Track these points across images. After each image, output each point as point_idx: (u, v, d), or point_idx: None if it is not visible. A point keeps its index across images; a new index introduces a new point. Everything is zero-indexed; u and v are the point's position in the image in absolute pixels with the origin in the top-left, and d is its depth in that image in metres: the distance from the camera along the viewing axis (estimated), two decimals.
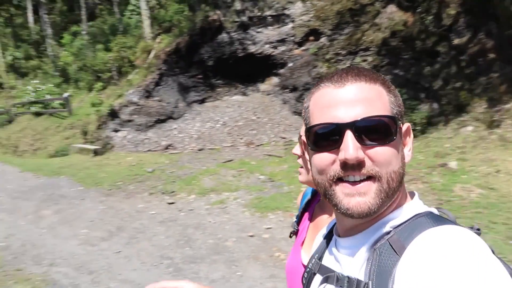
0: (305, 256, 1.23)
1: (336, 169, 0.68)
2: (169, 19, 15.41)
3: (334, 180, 0.69)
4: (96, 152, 10.77)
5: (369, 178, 0.67)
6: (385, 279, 0.61)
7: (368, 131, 0.66)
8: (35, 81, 17.34)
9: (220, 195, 6.64)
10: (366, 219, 0.69)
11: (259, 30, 12.67)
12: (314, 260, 0.82)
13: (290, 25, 11.95)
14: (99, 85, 14.47)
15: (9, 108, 17.39)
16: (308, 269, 0.83)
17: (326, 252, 0.81)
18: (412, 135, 0.76)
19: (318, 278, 0.78)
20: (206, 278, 4.11)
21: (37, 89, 15.90)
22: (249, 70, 12.73)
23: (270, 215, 5.69)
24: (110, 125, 11.89)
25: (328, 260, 0.78)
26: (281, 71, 12.10)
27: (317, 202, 1.35)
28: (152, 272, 4.41)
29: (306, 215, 1.35)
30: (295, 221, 1.39)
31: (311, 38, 11.31)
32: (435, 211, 0.71)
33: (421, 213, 0.68)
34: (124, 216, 6.25)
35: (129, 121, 12.08)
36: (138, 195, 7.23)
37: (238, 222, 5.53)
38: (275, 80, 12.25)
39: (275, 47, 12.27)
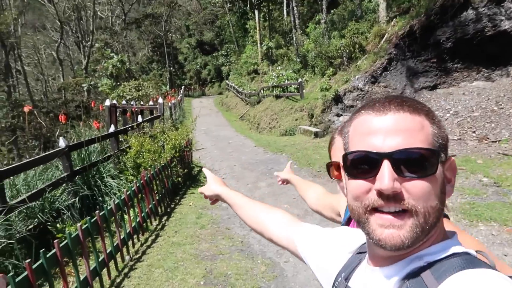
0: None
1: (371, 198, 0.68)
2: (408, 0, 14.48)
3: (369, 209, 0.68)
4: (316, 134, 11.45)
5: (405, 211, 0.66)
6: None
7: (407, 163, 0.65)
8: (279, 68, 19.69)
9: None
10: (399, 252, 0.68)
11: None
12: (340, 278, 0.82)
13: None
14: (330, 71, 15.15)
15: (259, 91, 20.52)
16: (334, 286, 0.84)
17: (355, 274, 0.80)
18: (456, 170, 0.73)
19: None
20: None
21: (279, 74, 18.03)
22: (498, 51, 10.59)
23: (481, 226, 4.73)
24: (333, 109, 12.35)
25: (355, 283, 0.78)
26: None
27: None
28: None
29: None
30: None
31: None
32: (474, 253, 0.68)
33: (459, 253, 0.67)
34: None
35: (352, 106, 12.21)
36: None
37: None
38: None
39: None
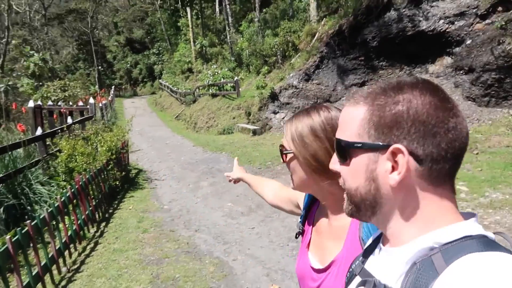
0: (313, 259, 1.21)
1: None
2: (336, 0, 15.14)
3: None
4: (254, 132, 11.55)
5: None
6: None
7: (336, 150, 0.77)
8: (214, 66, 19.56)
9: None
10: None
11: (433, 4, 11.19)
12: (358, 261, 0.84)
13: None
14: (265, 69, 15.37)
15: (194, 90, 20.22)
16: (351, 269, 0.86)
17: (371, 256, 0.82)
18: (401, 160, 0.66)
19: (357, 279, 0.80)
20: None
21: (215, 73, 17.93)
22: (417, 50, 11.47)
23: None
24: (270, 107, 12.54)
25: (370, 265, 0.79)
26: (456, 49, 10.48)
27: (317, 206, 1.29)
28: (277, 252, 4.51)
29: (310, 215, 1.31)
30: (300, 221, 1.33)
31: (499, 9, 9.38)
32: (491, 236, 0.66)
33: (472, 235, 0.65)
34: None
35: (288, 103, 12.50)
36: (283, 176, 7.45)
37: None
38: (447, 60, 10.71)
39: (451, 22, 10.66)
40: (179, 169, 8.87)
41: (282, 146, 1.23)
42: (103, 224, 5.67)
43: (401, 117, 0.65)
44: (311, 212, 1.30)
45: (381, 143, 0.67)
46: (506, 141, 7.54)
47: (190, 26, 26.52)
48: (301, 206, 1.40)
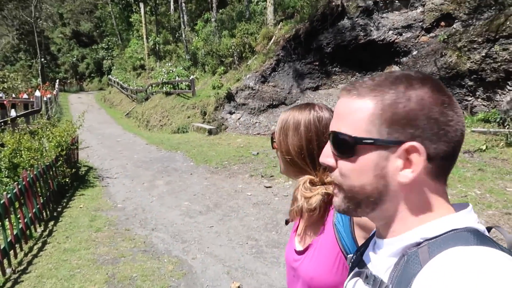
0: (297, 242, 1.25)
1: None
2: (292, 5, 15.44)
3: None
4: (210, 132, 11.48)
5: (338, 185, 0.73)
6: (404, 285, 0.62)
7: (333, 144, 0.72)
8: (169, 64, 19.18)
9: None
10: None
11: (384, 15, 11.81)
12: (358, 252, 0.86)
13: (420, 9, 10.84)
14: (221, 69, 15.33)
15: (147, 87, 19.69)
16: (353, 259, 0.87)
17: (369, 249, 0.82)
18: (417, 157, 0.65)
19: (355, 270, 0.81)
20: (284, 264, 4.02)
21: (170, 71, 17.58)
22: (369, 58, 12.03)
23: None
24: (226, 107, 12.53)
25: (366, 256, 0.80)
26: (404, 59, 11.13)
27: None
28: (237, 250, 4.51)
29: None
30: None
31: (442, 23, 10.10)
32: (481, 228, 0.66)
33: (459, 228, 0.65)
34: (223, 194, 6.53)
35: (244, 104, 12.56)
36: (240, 175, 7.47)
37: None
38: (395, 69, 11.32)
39: (399, 34, 11.31)
40: (133, 167, 8.59)
41: (273, 133, 1.28)
42: (52, 223, 5.36)
43: (415, 114, 0.64)
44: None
45: (395, 140, 0.65)
46: None
47: (143, 22, 25.80)
48: None
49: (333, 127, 0.72)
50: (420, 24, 10.76)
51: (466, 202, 0.72)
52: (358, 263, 0.82)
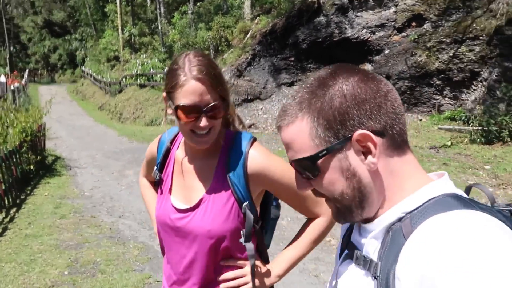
0: (177, 201, 1.26)
1: None
2: (270, 1, 15.49)
3: None
4: None
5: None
6: (391, 261, 0.62)
7: (299, 170, 0.72)
8: (143, 56, 18.88)
9: None
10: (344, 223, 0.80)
11: (358, 14, 11.99)
12: (346, 235, 0.85)
13: (393, 9, 11.07)
14: None
15: (121, 79, 19.32)
16: (342, 242, 0.87)
17: (354, 230, 0.82)
18: (368, 141, 0.66)
19: (345, 252, 0.82)
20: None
21: (144, 63, 17.32)
22: (343, 55, 12.20)
23: None
24: None
25: (354, 238, 0.81)
26: (376, 58, 11.35)
27: (177, 148, 1.34)
28: None
29: (169, 162, 1.33)
30: (156, 169, 1.35)
31: (413, 24, 10.35)
32: (459, 192, 0.67)
33: (438, 196, 0.65)
34: None
35: None
36: None
37: None
38: (368, 67, 11.53)
39: (373, 32, 11.52)
40: (102, 158, 8.43)
41: None
42: (14, 210, 5.20)
43: (345, 106, 0.66)
44: (169, 159, 1.34)
45: (342, 139, 0.66)
46: (414, 142, 8.33)
47: (119, 13, 25.27)
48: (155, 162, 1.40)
49: (290, 158, 0.72)
50: (392, 23, 10.99)
51: (443, 171, 0.73)
52: (347, 246, 0.82)
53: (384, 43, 11.20)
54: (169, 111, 1.22)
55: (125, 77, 18.87)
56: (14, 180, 5.65)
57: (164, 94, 1.22)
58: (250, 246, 1.23)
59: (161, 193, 1.33)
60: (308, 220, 1.36)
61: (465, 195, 0.67)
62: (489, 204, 0.66)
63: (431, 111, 10.06)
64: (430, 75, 9.90)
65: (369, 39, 11.62)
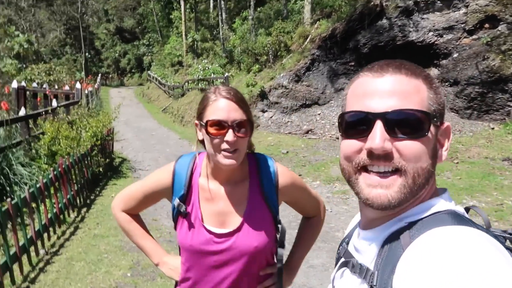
0: (213, 228, 1.33)
1: (362, 157, 0.69)
2: (331, 4, 15.27)
3: (359, 168, 0.70)
4: None
5: (395, 171, 0.66)
6: (388, 271, 0.63)
7: (399, 124, 0.65)
8: (205, 61, 19.47)
9: (345, 186, 6.36)
10: (387, 212, 0.70)
11: (424, 16, 11.43)
12: (344, 244, 0.87)
13: (463, 10, 10.41)
14: (256, 67, 15.38)
15: (183, 84, 20.09)
16: (339, 250, 0.88)
17: (352, 239, 0.84)
18: (451, 136, 0.74)
19: (341, 260, 0.83)
20: (305, 262, 4.01)
21: (206, 68, 17.85)
22: (406, 59, 11.64)
23: None
24: (259, 105, 12.57)
25: (351, 247, 0.81)
26: (443, 62, 10.73)
27: (199, 176, 1.38)
28: None
29: (192, 191, 1.37)
30: (180, 201, 1.36)
31: (486, 25, 9.65)
32: (460, 210, 0.68)
33: (441, 211, 0.66)
34: None
35: (277, 103, 12.55)
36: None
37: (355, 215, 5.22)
38: (434, 71, 10.93)
39: (440, 35, 10.91)
40: (164, 161, 8.81)
41: None
42: (84, 209, 5.60)
43: (443, 100, 0.73)
44: (194, 184, 1.38)
45: (441, 121, 0.71)
46: (485, 153, 7.76)
47: (183, 19, 26.33)
48: (170, 194, 1.42)
49: (394, 105, 0.66)
50: (462, 25, 10.33)
51: (443, 188, 0.75)
52: (344, 253, 0.83)
53: (452, 46, 10.56)
54: (200, 136, 1.34)
55: (187, 82, 19.59)
56: (86, 181, 6.09)
57: (196, 121, 1.35)
58: (281, 251, 1.42)
59: (187, 223, 1.35)
60: (306, 220, 1.56)
61: (465, 214, 0.69)
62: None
63: (504, 119, 9.31)
64: (505, 81, 9.17)
65: (435, 42, 11.02)
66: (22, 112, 6.48)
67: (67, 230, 4.86)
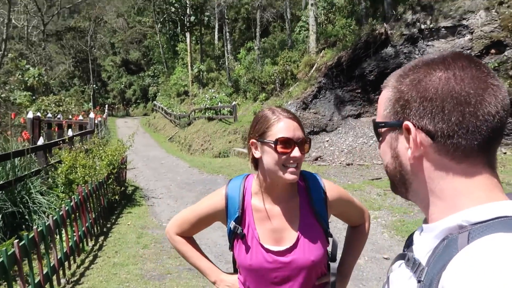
0: (271, 247, 1.37)
1: None
2: (335, 34, 15.65)
3: None
4: None
5: None
6: (438, 269, 0.61)
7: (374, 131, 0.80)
8: (211, 90, 19.79)
9: None
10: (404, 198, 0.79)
11: (429, 43, 11.68)
12: (411, 236, 0.86)
13: (468, 36, 10.63)
14: (263, 96, 15.62)
15: (189, 113, 20.32)
16: (406, 242, 0.88)
17: (416, 231, 0.83)
18: (411, 134, 0.69)
19: (400, 252, 0.83)
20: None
21: (212, 97, 18.12)
22: None
23: None
24: None
25: (412, 239, 0.82)
26: None
27: (250, 197, 1.43)
28: None
29: (246, 213, 1.41)
30: (236, 225, 1.40)
31: (492, 51, 9.83)
32: None
33: (504, 216, 0.61)
34: None
35: None
36: None
37: (374, 242, 5.15)
38: None
39: None
40: (176, 189, 8.81)
41: None
42: (102, 238, 5.57)
43: (410, 96, 0.68)
44: (247, 206, 1.42)
45: (395, 121, 0.71)
46: (499, 178, 7.72)
47: (189, 51, 26.96)
48: (224, 217, 1.45)
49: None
50: (468, 51, 10.51)
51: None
52: (408, 246, 0.82)
53: None
54: (257, 155, 1.35)
55: (194, 111, 19.83)
56: (102, 210, 6.08)
57: (253, 140, 1.36)
58: (334, 265, 1.46)
59: (245, 243, 1.40)
60: (352, 228, 1.63)
61: None
62: None
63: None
64: None
65: None
66: (40, 141, 6.55)
67: (86, 259, 4.81)
